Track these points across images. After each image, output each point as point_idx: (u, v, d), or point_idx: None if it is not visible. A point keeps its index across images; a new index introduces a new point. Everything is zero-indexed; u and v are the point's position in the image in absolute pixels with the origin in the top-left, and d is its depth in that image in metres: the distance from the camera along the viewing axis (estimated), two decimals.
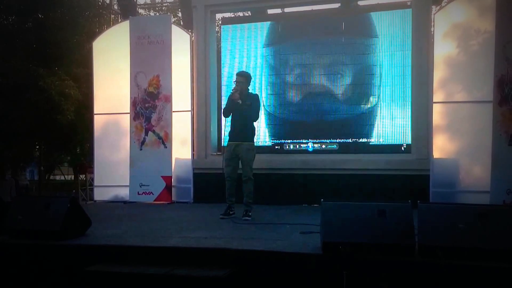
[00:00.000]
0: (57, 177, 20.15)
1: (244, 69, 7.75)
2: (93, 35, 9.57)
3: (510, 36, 6.18)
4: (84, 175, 9.49)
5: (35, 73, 9.70)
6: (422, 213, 3.62)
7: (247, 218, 5.74)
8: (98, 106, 8.32)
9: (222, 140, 7.86)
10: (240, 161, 5.95)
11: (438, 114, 6.78)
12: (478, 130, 6.55)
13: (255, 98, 6.09)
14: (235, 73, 6.76)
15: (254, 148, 6.06)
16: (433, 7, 7.33)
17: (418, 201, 3.70)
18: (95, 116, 8.34)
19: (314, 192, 7.03)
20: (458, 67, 6.72)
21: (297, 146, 7.76)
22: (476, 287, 3.35)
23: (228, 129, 6.07)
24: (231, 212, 5.91)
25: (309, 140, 7.68)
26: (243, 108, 5.82)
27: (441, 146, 6.75)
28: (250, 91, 6.16)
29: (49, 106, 9.71)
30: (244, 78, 6.02)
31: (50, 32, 10.57)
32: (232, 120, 6.05)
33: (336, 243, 3.60)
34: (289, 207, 6.77)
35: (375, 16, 7.49)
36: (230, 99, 5.95)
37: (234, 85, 5.97)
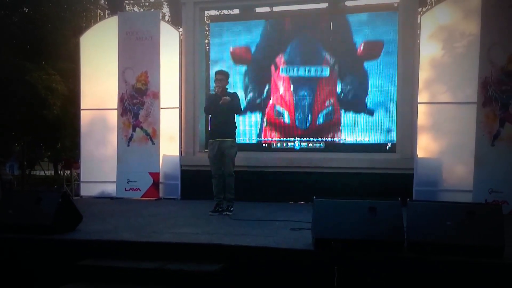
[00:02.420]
0: (37, 173, 19.87)
1: (232, 67, 7.83)
2: (80, 30, 9.50)
3: (494, 39, 6.35)
4: (69, 171, 9.39)
5: (21, 67, 9.58)
6: (411, 210, 3.72)
7: (227, 213, 5.87)
8: (85, 101, 8.28)
9: None
10: (223, 158, 6.03)
11: (422, 114, 6.93)
12: (462, 131, 6.71)
13: (235, 96, 6.20)
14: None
15: (236, 145, 6.16)
16: (420, 9, 7.46)
17: (408, 199, 3.80)
18: (82, 111, 8.30)
19: (300, 190, 7.13)
20: (443, 68, 6.88)
21: (284, 144, 7.84)
22: (462, 282, 3.46)
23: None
24: (220, 209, 5.97)
25: (296, 138, 7.76)
26: (227, 105, 5.90)
27: (425, 146, 6.90)
28: (228, 90, 6.25)
29: (35, 100, 9.60)
30: (224, 76, 6.13)
31: (36, 27, 10.45)
32: (213, 118, 6.15)
33: (328, 239, 3.67)
34: (275, 204, 6.83)
35: (362, 17, 7.60)
36: (213, 98, 6.05)
37: (215, 84, 6.08)
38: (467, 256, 3.49)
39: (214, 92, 6.13)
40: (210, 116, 6.21)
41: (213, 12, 9.21)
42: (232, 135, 6.09)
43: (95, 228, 4.79)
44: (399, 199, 3.79)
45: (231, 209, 5.95)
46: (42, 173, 19.40)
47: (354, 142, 7.55)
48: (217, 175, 6.05)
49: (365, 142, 7.52)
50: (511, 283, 3.37)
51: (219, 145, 5.99)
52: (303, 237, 4.22)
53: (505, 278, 3.39)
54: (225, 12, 10.32)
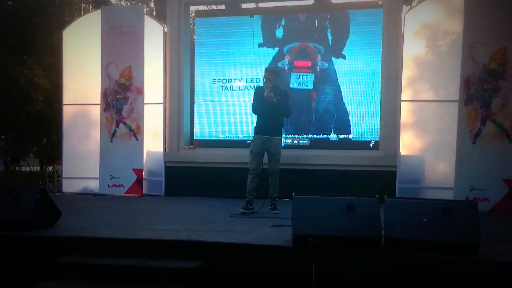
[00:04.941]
0: (23, 168, 19.65)
1: (220, 64, 7.88)
2: (64, 24, 9.38)
3: (477, 38, 6.40)
4: (52, 167, 9.29)
5: (4, 61, 9.45)
6: (388, 207, 3.75)
7: (277, 211, 5.77)
8: (68, 96, 8.19)
9: (204, 133, 7.96)
10: (267, 155, 5.97)
11: (405, 112, 6.96)
12: (444, 129, 6.77)
13: (284, 93, 6.07)
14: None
15: (281, 142, 6.10)
16: (404, 7, 7.49)
17: (385, 196, 3.82)
18: (64, 106, 8.21)
19: (285, 187, 7.09)
20: (426, 66, 6.91)
21: None
22: (437, 279, 3.49)
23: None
24: (251, 207, 5.87)
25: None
26: (275, 103, 5.81)
27: (408, 143, 6.94)
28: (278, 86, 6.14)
29: (18, 95, 9.49)
30: (273, 74, 6.00)
31: (19, 20, 10.32)
32: (261, 114, 6.00)
33: (306, 236, 3.70)
34: (260, 201, 6.83)
35: (347, 14, 7.61)
36: (261, 97, 5.87)
37: (265, 83, 5.97)
38: (444, 253, 3.52)
39: (262, 88, 6.00)
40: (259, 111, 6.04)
41: (200, 7, 9.16)
42: (279, 133, 6.01)
43: (74, 224, 4.76)
44: (377, 196, 3.81)
45: (277, 207, 5.88)
46: (28, 168, 19.20)
47: (339, 139, 7.57)
48: (255, 171, 5.93)
49: (349, 140, 7.53)
50: (486, 280, 3.41)
51: (264, 142, 5.92)
52: (284, 234, 4.25)
53: (480, 275, 3.43)
54: (213, 7, 10.28)
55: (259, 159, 5.97)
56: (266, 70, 6.12)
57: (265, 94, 5.80)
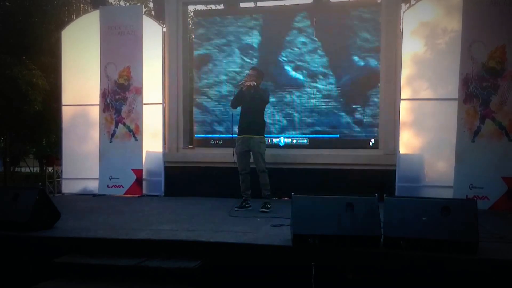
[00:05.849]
0: (23, 169, 19.65)
1: (216, 62, 7.83)
2: (62, 24, 9.38)
3: (475, 36, 6.39)
4: (51, 168, 9.29)
5: (2, 62, 9.43)
6: (387, 206, 3.75)
7: (264, 210, 5.80)
8: (67, 97, 8.17)
9: (203, 133, 7.97)
10: (252, 154, 6.04)
11: (405, 110, 6.94)
12: (443, 127, 6.75)
13: (264, 91, 6.18)
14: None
15: (265, 141, 6.17)
16: (403, 5, 7.49)
17: (384, 195, 3.82)
18: (63, 107, 8.19)
19: (284, 186, 7.11)
20: (425, 65, 6.90)
21: (269, 140, 7.80)
22: (436, 277, 3.49)
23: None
24: (247, 205, 5.98)
25: (281, 135, 7.76)
26: (255, 98, 5.90)
27: (407, 142, 6.93)
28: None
29: (16, 95, 9.47)
30: (255, 72, 6.12)
31: (17, 20, 10.30)
32: (241, 114, 6.14)
33: (305, 235, 3.69)
34: (259, 201, 6.83)
35: (345, 12, 7.61)
36: (240, 89, 6.01)
37: (245, 78, 6.09)
38: (443, 251, 3.52)
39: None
40: (240, 112, 6.19)
41: (198, 7, 9.16)
42: (261, 132, 6.10)
43: (73, 225, 4.76)
44: (376, 195, 3.81)
45: (269, 206, 5.89)
46: (28, 169, 19.20)
47: (338, 138, 7.56)
48: (244, 171, 6.06)
49: (348, 138, 7.53)
50: (485, 278, 3.41)
51: (246, 142, 5.99)
52: (283, 233, 4.25)
53: (479, 273, 3.43)
54: (212, 7, 10.28)
55: (244, 159, 6.08)
56: (251, 68, 6.28)
57: (240, 83, 5.93)
